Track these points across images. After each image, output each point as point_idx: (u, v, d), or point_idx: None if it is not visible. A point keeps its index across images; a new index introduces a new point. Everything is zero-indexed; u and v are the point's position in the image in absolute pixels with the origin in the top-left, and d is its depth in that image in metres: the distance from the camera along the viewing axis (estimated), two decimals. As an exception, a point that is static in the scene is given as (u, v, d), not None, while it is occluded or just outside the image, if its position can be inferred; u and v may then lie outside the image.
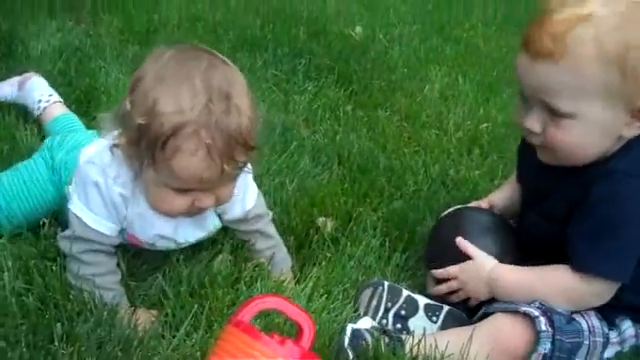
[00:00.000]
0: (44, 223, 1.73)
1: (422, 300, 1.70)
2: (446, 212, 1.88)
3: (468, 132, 2.62)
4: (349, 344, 1.52)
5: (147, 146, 1.43)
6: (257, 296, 1.47)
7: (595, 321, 1.59)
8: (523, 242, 1.73)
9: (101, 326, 1.45)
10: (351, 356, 1.51)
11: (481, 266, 1.66)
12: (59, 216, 1.75)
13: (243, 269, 1.72)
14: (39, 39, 2.82)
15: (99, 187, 1.55)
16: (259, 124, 1.50)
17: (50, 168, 1.80)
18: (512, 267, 1.65)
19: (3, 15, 2.91)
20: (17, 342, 1.40)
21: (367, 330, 1.56)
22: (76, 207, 1.58)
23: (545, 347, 1.52)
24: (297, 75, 2.90)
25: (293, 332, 1.39)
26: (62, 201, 1.72)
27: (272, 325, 1.52)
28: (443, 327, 1.66)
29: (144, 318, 1.55)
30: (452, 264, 1.70)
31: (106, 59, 2.72)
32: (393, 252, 1.91)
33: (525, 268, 1.64)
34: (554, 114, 1.48)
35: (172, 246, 1.68)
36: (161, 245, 1.67)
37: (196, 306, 1.57)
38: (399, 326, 1.68)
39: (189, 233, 1.67)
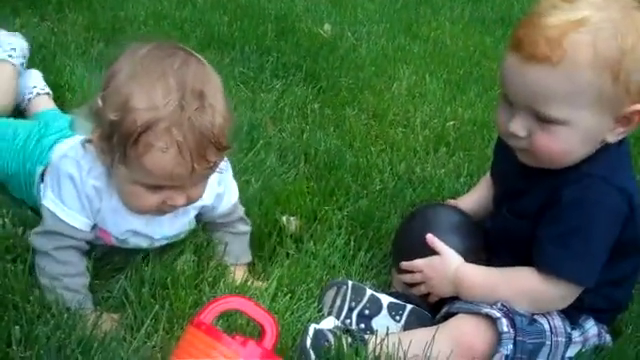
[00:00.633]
0: (4, 223, 1.70)
1: (385, 299, 1.70)
2: (417, 207, 1.90)
3: (435, 130, 2.62)
4: (311, 345, 1.51)
5: (119, 142, 1.43)
6: (220, 296, 1.46)
7: (557, 321, 1.60)
8: (492, 241, 1.73)
9: (61, 328, 1.43)
10: (313, 357, 1.51)
11: (448, 263, 1.67)
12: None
13: (206, 269, 1.71)
14: (3, 36, 2.77)
15: (73, 180, 1.55)
16: (232, 124, 1.50)
17: (32, 139, 1.80)
18: (478, 267, 1.65)
19: (-34, 11, 2.87)
20: (-27, 345, 1.38)
21: (330, 330, 1.56)
22: (49, 201, 1.57)
23: (507, 348, 1.53)
24: (264, 73, 2.88)
25: (256, 333, 1.39)
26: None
27: (235, 326, 1.51)
28: (406, 326, 1.66)
29: (107, 322, 1.53)
30: (419, 257, 1.70)
31: (71, 56, 2.69)
32: (358, 251, 1.91)
33: (491, 269, 1.64)
34: (543, 120, 1.46)
35: (144, 245, 1.67)
36: (133, 242, 1.66)
37: (157, 307, 1.55)
38: (363, 326, 1.68)
39: (164, 230, 1.66)
